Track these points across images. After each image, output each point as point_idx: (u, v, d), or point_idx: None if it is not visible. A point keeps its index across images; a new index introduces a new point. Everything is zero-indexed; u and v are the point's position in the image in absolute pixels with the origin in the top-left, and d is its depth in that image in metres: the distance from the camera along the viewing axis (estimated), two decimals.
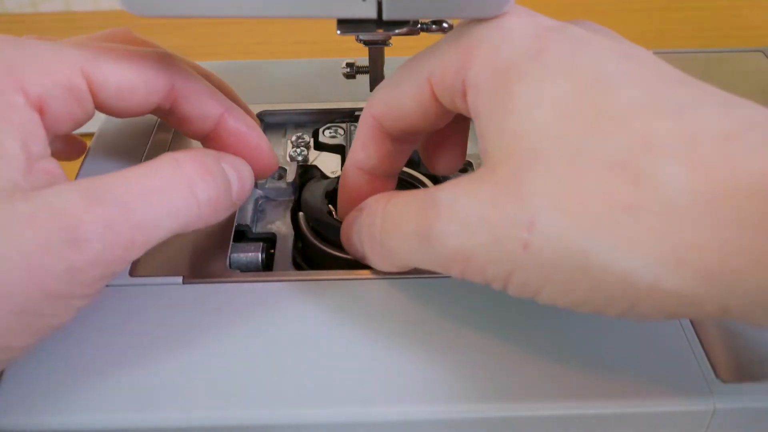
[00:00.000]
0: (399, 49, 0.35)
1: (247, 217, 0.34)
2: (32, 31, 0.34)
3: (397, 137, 0.29)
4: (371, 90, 0.33)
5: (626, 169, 0.20)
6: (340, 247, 0.32)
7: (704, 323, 0.27)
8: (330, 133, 0.39)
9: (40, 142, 0.25)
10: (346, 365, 0.26)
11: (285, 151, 0.38)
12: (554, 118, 0.21)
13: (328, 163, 0.37)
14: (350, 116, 0.40)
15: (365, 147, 0.29)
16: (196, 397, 0.25)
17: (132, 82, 0.27)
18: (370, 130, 0.28)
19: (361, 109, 0.40)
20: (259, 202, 0.35)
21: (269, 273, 0.31)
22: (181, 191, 0.25)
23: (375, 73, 0.33)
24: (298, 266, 0.32)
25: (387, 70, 0.33)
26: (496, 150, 0.22)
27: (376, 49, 0.32)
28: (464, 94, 0.24)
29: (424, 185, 0.36)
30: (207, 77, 0.34)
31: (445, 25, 0.31)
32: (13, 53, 0.25)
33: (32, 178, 0.24)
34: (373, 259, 0.27)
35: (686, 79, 0.22)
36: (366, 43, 0.30)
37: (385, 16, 0.25)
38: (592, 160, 0.21)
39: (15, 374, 0.26)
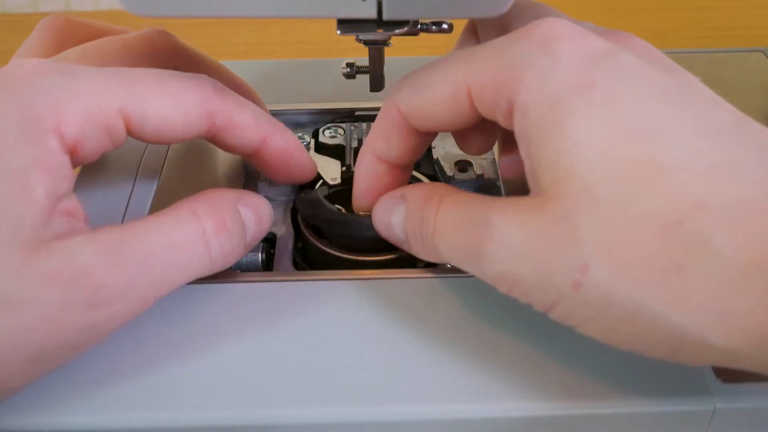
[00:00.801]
0: (399, 49, 0.35)
1: None
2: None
3: (423, 132, 0.28)
4: (371, 90, 0.33)
5: (680, 230, 0.20)
6: (341, 246, 0.32)
7: None
8: (330, 133, 0.39)
9: (66, 184, 0.25)
10: (346, 365, 0.26)
11: None
12: (607, 161, 0.22)
13: (328, 170, 0.37)
14: (350, 116, 0.40)
15: (388, 139, 0.28)
16: (196, 397, 0.25)
17: (171, 122, 0.26)
18: (395, 123, 0.28)
19: (361, 109, 0.40)
20: None
21: (269, 273, 0.31)
22: (198, 248, 0.25)
23: (375, 73, 0.33)
24: (298, 266, 0.32)
25: (387, 70, 0.33)
26: (548, 182, 0.22)
27: (376, 49, 0.32)
28: (509, 113, 0.24)
29: None
30: (235, 83, 0.34)
31: (444, 25, 0.31)
32: (60, 86, 0.24)
33: (53, 222, 0.24)
34: (421, 254, 0.27)
35: (735, 121, 0.22)
36: (366, 43, 0.30)
37: (385, 16, 0.25)
38: (646, 215, 0.21)
39: None
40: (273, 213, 0.29)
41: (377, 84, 0.33)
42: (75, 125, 0.24)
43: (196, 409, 0.25)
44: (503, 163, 0.31)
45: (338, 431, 0.25)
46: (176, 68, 0.32)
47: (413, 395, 0.25)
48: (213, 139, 0.28)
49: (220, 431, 0.25)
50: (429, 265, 0.32)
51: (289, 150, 0.30)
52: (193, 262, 0.25)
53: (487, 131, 0.29)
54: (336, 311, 0.28)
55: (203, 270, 0.26)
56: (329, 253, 0.32)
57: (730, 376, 0.25)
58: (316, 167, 0.32)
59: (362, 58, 0.34)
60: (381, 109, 0.29)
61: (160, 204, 0.33)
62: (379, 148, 0.29)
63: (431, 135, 0.29)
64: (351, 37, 0.29)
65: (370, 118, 0.39)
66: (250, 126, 0.28)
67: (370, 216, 0.31)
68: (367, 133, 0.38)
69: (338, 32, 0.28)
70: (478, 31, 0.32)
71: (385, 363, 0.26)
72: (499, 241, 0.23)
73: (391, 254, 0.32)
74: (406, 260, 0.32)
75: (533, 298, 0.23)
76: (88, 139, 0.25)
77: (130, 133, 0.26)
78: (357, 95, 0.40)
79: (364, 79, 0.34)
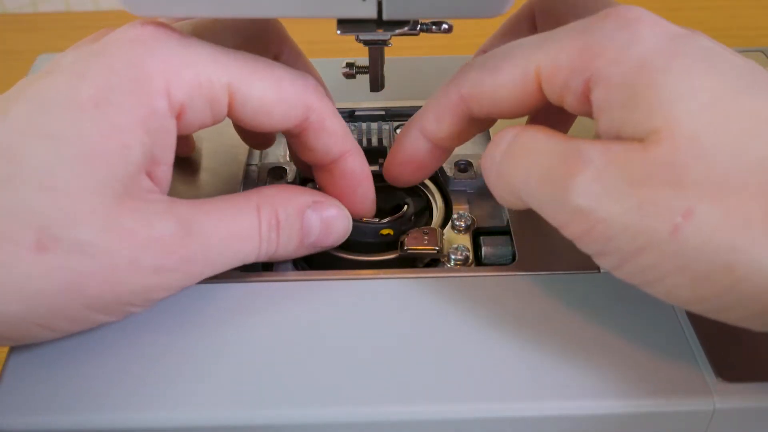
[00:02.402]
0: (399, 49, 0.35)
1: None
2: (32, 32, 0.34)
3: (478, 118, 0.29)
4: (371, 90, 0.33)
5: None
6: (341, 246, 0.32)
7: (705, 322, 0.27)
8: None
9: (165, 151, 0.26)
10: (345, 365, 0.26)
11: (285, 150, 0.38)
12: (711, 111, 0.22)
13: None
14: (350, 116, 0.40)
15: (440, 119, 0.29)
16: (196, 397, 0.25)
17: (271, 108, 0.27)
18: (452, 105, 0.28)
19: (361, 109, 0.40)
20: None
21: (269, 273, 0.31)
22: (253, 242, 0.27)
23: (375, 73, 0.33)
24: (298, 266, 0.32)
25: (387, 70, 0.33)
26: (640, 134, 0.22)
27: (376, 49, 0.32)
28: (583, 92, 0.24)
29: (427, 188, 0.36)
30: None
31: (445, 25, 0.31)
32: (175, 52, 0.25)
33: (141, 182, 0.25)
34: (487, 179, 0.27)
35: None
36: (366, 43, 0.30)
37: (385, 16, 0.25)
38: (758, 162, 0.21)
39: (15, 374, 0.26)
40: (350, 226, 0.30)
41: (377, 84, 0.33)
42: (183, 91, 0.25)
43: (196, 409, 0.25)
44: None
45: (340, 431, 0.25)
46: (277, 58, 0.33)
47: (414, 395, 0.25)
48: (299, 136, 0.29)
49: (217, 431, 0.25)
50: (429, 265, 0.32)
51: (363, 176, 0.30)
52: (244, 252, 0.27)
53: (562, 126, 0.30)
54: (336, 311, 0.28)
55: (250, 259, 0.27)
56: (329, 253, 0.32)
57: (730, 375, 0.25)
58: (374, 210, 0.32)
59: (362, 58, 0.34)
60: (438, 91, 0.29)
61: None
62: (429, 125, 0.29)
63: (481, 124, 0.30)
64: (351, 37, 0.29)
65: (370, 118, 0.39)
66: (338, 134, 0.29)
67: (369, 223, 0.32)
68: (367, 133, 0.38)
69: (338, 32, 0.28)
70: (538, 27, 0.33)
71: (384, 362, 0.26)
72: (595, 174, 0.22)
73: (391, 254, 0.32)
74: (407, 260, 0.32)
75: (612, 244, 0.23)
76: (192, 108, 0.26)
77: (230, 111, 0.27)
78: (357, 95, 0.40)
79: (364, 79, 0.34)
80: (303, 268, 0.32)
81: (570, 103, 0.25)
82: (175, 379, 0.25)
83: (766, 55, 0.43)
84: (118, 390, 0.25)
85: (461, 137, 0.30)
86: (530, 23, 0.33)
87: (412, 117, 0.31)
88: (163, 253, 0.24)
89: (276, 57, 0.33)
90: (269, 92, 0.26)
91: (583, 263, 0.28)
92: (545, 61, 0.25)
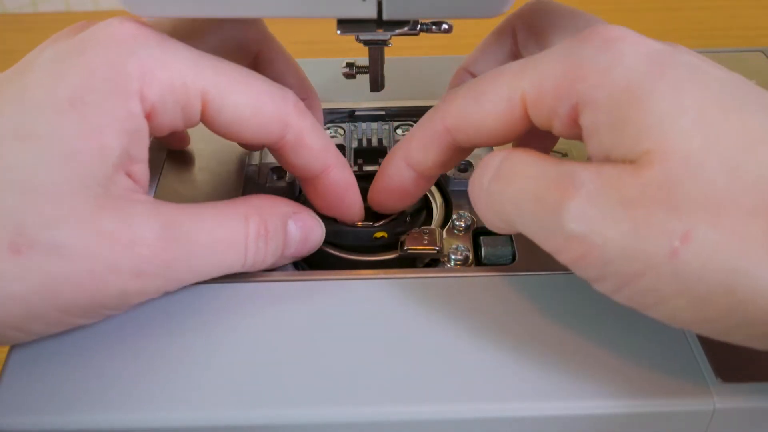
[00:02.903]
0: (399, 49, 0.35)
1: None
2: (32, 32, 0.34)
3: (464, 147, 0.28)
4: (371, 90, 0.33)
5: None
6: (342, 247, 0.32)
7: None
8: (330, 133, 0.39)
9: (140, 149, 0.25)
10: (345, 365, 0.26)
11: None
12: (702, 129, 0.21)
13: None
14: (350, 116, 0.40)
15: (426, 150, 0.29)
16: (196, 397, 0.25)
17: (245, 119, 0.27)
18: (438, 137, 0.28)
19: (361, 109, 0.40)
20: None
21: (269, 273, 0.31)
22: (238, 250, 0.26)
23: (375, 73, 0.33)
24: (298, 266, 0.32)
25: (387, 70, 0.33)
26: (634, 156, 0.22)
27: (376, 49, 0.32)
28: (570, 117, 0.24)
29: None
30: (303, 82, 0.34)
31: (445, 25, 0.31)
32: (153, 54, 0.25)
33: (119, 181, 0.25)
34: (477, 205, 0.27)
35: None
36: (366, 43, 0.30)
37: (385, 16, 0.25)
38: (754, 180, 0.21)
39: (15, 374, 0.26)
40: (323, 237, 0.30)
41: (377, 84, 0.33)
42: (155, 91, 0.25)
43: (196, 409, 0.25)
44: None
45: (340, 431, 0.25)
46: (259, 56, 0.33)
47: (414, 395, 0.25)
48: (279, 151, 0.29)
49: (217, 431, 0.25)
50: (429, 265, 0.32)
51: (347, 187, 0.30)
52: (229, 261, 0.26)
53: (543, 143, 0.30)
54: (335, 311, 0.28)
55: (235, 269, 0.27)
56: (329, 254, 0.32)
57: (730, 376, 0.25)
58: (363, 211, 0.32)
59: (362, 58, 0.34)
60: (422, 120, 0.29)
61: None
62: (414, 156, 0.29)
63: (465, 152, 0.29)
64: (351, 37, 0.29)
65: (371, 118, 0.39)
66: (318, 151, 0.29)
67: (364, 226, 0.32)
68: (367, 133, 0.38)
69: (338, 32, 0.28)
70: (519, 46, 0.32)
71: (383, 362, 0.26)
72: (588, 198, 0.22)
73: (391, 254, 0.32)
74: (406, 260, 0.32)
75: (609, 269, 0.22)
76: (163, 110, 0.25)
77: (204, 118, 0.27)
78: (357, 95, 0.40)
79: (364, 79, 0.34)
80: (303, 268, 0.32)
81: (558, 128, 0.25)
82: (176, 380, 0.25)
83: (766, 55, 0.43)
84: (118, 390, 0.25)
85: (446, 166, 0.30)
86: (512, 38, 0.33)
87: (395, 146, 0.30)
88: (144, 256, 0.24)
89: (257, 55, 0.33)
90: (245, 104, 0.26)
91: None
92: (530, 87, 0.25)
